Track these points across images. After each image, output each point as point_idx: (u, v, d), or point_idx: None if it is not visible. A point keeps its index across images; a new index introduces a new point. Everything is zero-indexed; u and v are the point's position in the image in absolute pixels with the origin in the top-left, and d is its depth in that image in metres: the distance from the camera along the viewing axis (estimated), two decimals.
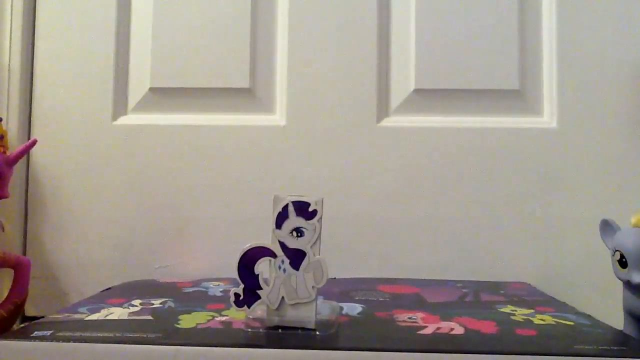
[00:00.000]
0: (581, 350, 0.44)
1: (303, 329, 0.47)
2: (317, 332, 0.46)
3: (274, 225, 0.47)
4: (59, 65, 0.86)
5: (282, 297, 0.47)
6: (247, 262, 0.47)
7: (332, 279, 0.48)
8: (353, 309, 0.56)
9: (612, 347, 0.45)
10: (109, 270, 0.83)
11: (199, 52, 0.85)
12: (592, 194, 0.79)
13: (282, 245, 0.47)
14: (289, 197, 0.48)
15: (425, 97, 0.83)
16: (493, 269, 0.77)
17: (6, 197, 0.63)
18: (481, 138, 0.81)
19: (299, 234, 0.47)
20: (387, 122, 0.83)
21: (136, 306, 0.56)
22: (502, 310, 0.57)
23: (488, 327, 0.49)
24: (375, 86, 0.83)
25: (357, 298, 0.61)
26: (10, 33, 0.85)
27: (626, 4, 0.81)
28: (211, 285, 0.67)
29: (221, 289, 0.65)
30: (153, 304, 0.57)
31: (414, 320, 0.51)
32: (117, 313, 0.54)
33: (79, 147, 0.85)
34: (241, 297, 0.47)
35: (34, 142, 0.64)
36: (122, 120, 0.86)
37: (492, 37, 0.82)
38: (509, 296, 0.64)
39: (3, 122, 0.67)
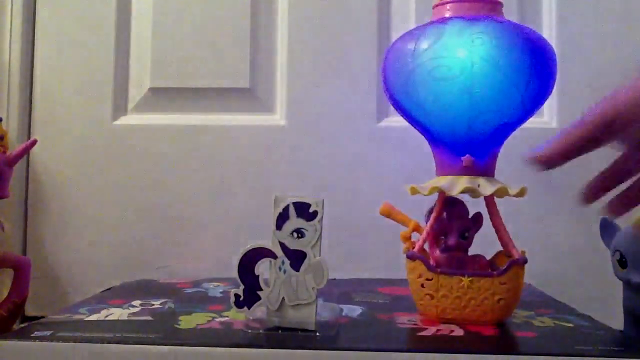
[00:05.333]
0: (581, 351, 0.44)
1: (303, 330, 0.47)
2: (317, 334, 0.46)
3: (275, 226, 0.47)
4: (59, 65, 0.86)
5: (283, 298, 0.47)
6: (247, 263, 0.47)
7: (332, 280, 0.48)
8: (353, 310, 0.56)
9: (612, 348, 0.45)
10: (109, 270, 0.83)
11: (199, 52, 0.85)
12: None
13: (283, 246, 0.47)
14: (289, 198, 0.48)
15: None
16: None
17: (6, 197, 0.63)
18: None
19: (299, 235, 0.47)
20: (387, 122, 0.83)
21: (136, 307, 0.56)
22: None
23: (488, 329, 0.49)
24: (375, 86, 0.83)
25: (357, 300, 0.61)
26: (10, 33, 0.85)
27: (625, 4, 0.81)
28: (211, 286, 0.67)
29: (221, 290, 0.65)
30: (153, 305, 0.57)
31: (414, 322, 0.51)
32: (117, 313, 0.54)
33: (79, 147, 0.85)
34: (241, 298, 0.47)
35: (34, 142, 0.64)
36: (122, 120, 0.86)
37: None
38: None
39: (3, 122, 0.67)
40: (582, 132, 0.43)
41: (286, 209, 0.47)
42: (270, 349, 0.44)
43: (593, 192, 0.48)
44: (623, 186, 0.48)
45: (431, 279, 0.51)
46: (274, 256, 0.47)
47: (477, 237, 0.54)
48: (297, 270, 0.47)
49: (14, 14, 0.85)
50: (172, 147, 0.85)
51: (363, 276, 0.75)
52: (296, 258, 0.47)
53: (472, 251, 0.54)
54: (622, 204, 0.48)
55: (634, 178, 0.47)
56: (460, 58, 0.48)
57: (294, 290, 0.47)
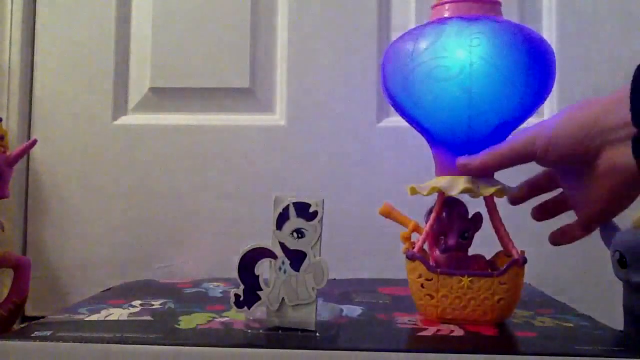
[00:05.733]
0: (581, 351, 0.44)
1: (303, 330, 0.47)
2: (317, 334, 0.46)
3: (275, 226, 0.47)
4: (59, 65, 0.86)
5: (283, 299, 0.47)
6: (247, 263, 0.47)
7: (332, 280, 0.48)
8: (353, 311, 0.56)
9: (612, 348, 0.46)
10: (109, 270, 0.83)
11: (199, 52, 0.85)
12: None
13: (283, 246, 0.47)
14: (289, 198, 0.47)
15: None
16: None
17: (6, 197, 0.63)
18: None
19: (299, 235, 0.47)
20: (387, 122, 0.83)
21: (136, 307, 0.56)
22: None
23: (488, 329, 0.49)
24: (375, 86, 0.83)
25: (357, 300, 0.61)
26: (10, 33, 0.85)
27: (624, 4, 0.81)
28: (211, 286, 0.67)
29: (221, 290, 0.65)
30: (153, 305, 0.57)
31: (414, 322, 0.51)
32: (117, 313, 0.54)
33: (79, 147, 0.85)
34: (241, 298, 0.47)
35: (34, 142, 0.64)
36: (122, 120, 0.86)
37: None
38: None
39: (3, 122, 0.67)
40: (505, 153, 0.48)
41: (286, 209, 0.47)
42: (270, 349, 0.44)
43: (519, 196, 0.53)
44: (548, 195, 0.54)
45: (431, 279, 0.51)
46: (274, 256, 0.47)
47: (477, 237, 0.54)
48: (297, 270, 0.47)
49: (14, 14, 0.85)
50: (172, 147, 0.85)
51: (363, 276, 0.75)
52: (296, 258, 0.47)
53: (472, 251, 0.54)
54: (543, 212, 0.54)
55: (558, 191, 0.52)
56: (459, 58, 0.48)
57: (294, 290, 0.47)
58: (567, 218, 0.52)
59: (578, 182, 0.46)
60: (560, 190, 0.53)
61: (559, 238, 0.51)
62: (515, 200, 0.53)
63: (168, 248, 0.84)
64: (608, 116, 0.43)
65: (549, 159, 0.46)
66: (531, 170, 0.52)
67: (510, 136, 0.50)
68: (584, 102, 0.45)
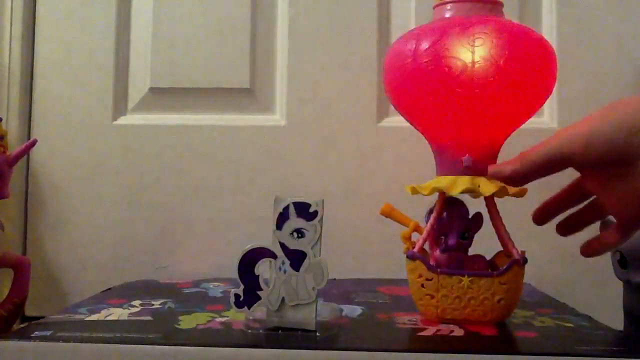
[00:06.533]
0: (581, 350, 0.44)
1: (303, 330, 0.47)
2: (318, 334, 0.46)
3: (275, 226, 0.47)
4: (59, 65, 0.86)
5: (283, 298, 0.47)
6: (247, 263, 0.48)
7: (332, 280, 0.48)
8: (353, 311, 0.56)
9: (612, 348, 0.46)
10: (109, 270, 0.83)
11: (199, 52, 0.85)
12: None
13: (283, 246, 0.47)
14: (289, 198, 0.48)
15: None
16: None
17: (6, 197, 0.63)
18: None
19: (299, 235, 0.47)
20: (387, 122, 0.83)
21: (136, 307, 0.56)
22: None
23: (488, 329, 0.49)
24: (376, 86, 0.83)
25: (357, 300, 0.61)
26: (10, 33, 0.85)
27: (625, 4, 0.81)
28: (211, 286, 0.67)
29: (221, 290, 0.65)
30: (153, 305, 0.57)
31: (414, 322, 0.51)
32: (117, 313, 0.54)
33: (79, 147, 0.85)
34: (241, 298, 0.48)
35: (34, 142, 0.64)
36: (122, 120, 0.86)
37: None
38: None
39: (3, 122, 0.67)
40: (542, 158, 0.46)
41: (286, 209, 0.47)
42: (270, 349, 0.44)
43: (545, 214, 0.52)
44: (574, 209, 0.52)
45: (431, 279, 0.51)
46: (274, 256, 0.47)
47: (477, 237, 0.54)
48: (297, 270, 0.47)
49: (14, 14, 0.85)
50: (172, 147, 0.85)
51: (363, 276, 0.75)
52: (296, 258, 0.47)
53: (472, 251, 0.54)
54: (569, 227, 0.52)
55: (585, 202, 0.51)
56: (461, 58, 0.48)
57: (294, 290, 0.47)
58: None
59: (616, 184, 0.45)
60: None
61: (596, 248, 0.50)
62: (542, 221, 0.52)
63: (168, 248, 0.84)
64: None
65: (588, 159, 0.44)
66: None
67: (540, 142, 0.48)
68: (616, 102, 0.44)
